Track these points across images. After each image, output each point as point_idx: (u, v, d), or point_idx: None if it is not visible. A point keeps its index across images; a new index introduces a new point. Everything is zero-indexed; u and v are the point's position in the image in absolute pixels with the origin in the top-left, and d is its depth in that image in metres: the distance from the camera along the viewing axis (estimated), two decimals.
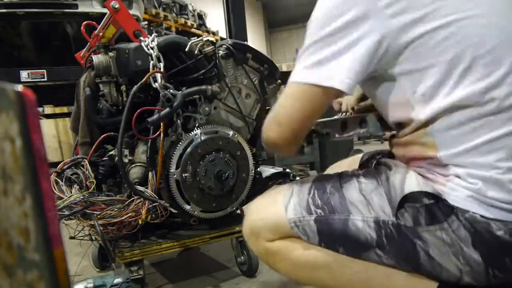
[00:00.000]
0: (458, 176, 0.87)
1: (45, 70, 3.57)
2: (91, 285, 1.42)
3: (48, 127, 3.36)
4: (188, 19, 7.43)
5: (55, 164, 1.57)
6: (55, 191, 1.44)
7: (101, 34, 1.74)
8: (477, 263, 0.87)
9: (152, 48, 1.53)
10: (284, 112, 0.96)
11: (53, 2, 3.52)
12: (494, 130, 0.85)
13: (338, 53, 0.88)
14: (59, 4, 3.54)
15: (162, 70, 1.52)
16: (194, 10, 7.89)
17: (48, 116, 3.49)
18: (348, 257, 0.98)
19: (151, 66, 1.52)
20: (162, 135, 1.50)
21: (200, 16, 8.20)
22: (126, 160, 1.54)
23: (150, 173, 1.49)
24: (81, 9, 3.58)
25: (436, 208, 0.88)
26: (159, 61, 1.53)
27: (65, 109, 3.54)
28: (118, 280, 1.45)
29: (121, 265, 1.54)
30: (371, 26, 0.86)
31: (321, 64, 0.89)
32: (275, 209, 1.04)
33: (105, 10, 1.71)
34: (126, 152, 1.56)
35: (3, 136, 0.41)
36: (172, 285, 1.76)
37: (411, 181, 0.91)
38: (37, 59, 3.95)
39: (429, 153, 0.90)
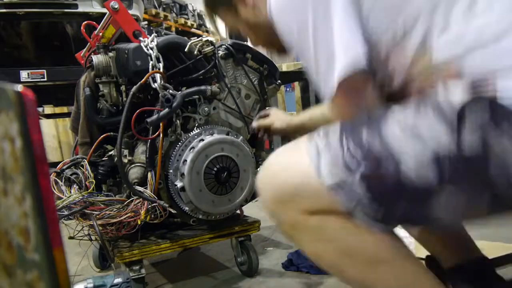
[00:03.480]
0: None
1: (45, 70, 3.57)
2: (91, 285, 1.42)
3: (48, 127, 3.37)
4: (188, 19, 7.43)
5: (55, 164, 1.57)
6: (54, 191, 1.44)
7: (101, 34, 1.74)
8: None
9: (151, 48, 1.53)
10: None
11: (53, 2, 3.52)
12: None
13: None
14: (59, 4, 3.54)
15: (161, 70, 1.52)
16: (194, 10, 7.89)
17: (48, 116, 3.50)
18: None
19: (150, 66, 1.52)
20: (161, 135, 1.50)
21: (200, 16, 8.20)
22: (125, 160, 1.54)
23: (149, 174, 1.49)
24: (81, 9, 3.58)
25: (496, 113, 0.69)
26: (158, 61, 1.53)
27: (65, 109, 3.55)
28: (118, 280, 1.45)
29: (120, 265, 1.54)
30: None
31: None
32: (302, 170, 0.82)
33: (105, 10, 1.71)
34: (126, 152, 1.56)
35: (3, 136, 0.41)
36: (172, 285, 1.76)
37: (453, 90, 0.72)
38: (37, 59, 3.96)
39: None
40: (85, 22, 1.89)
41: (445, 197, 0.74)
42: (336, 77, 0.81)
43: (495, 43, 0.73)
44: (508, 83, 0.69)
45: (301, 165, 0.83)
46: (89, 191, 1.47)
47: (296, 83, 4.63)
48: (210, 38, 1.62)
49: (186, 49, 1.57)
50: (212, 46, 1.59)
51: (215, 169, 1.53)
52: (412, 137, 0.74)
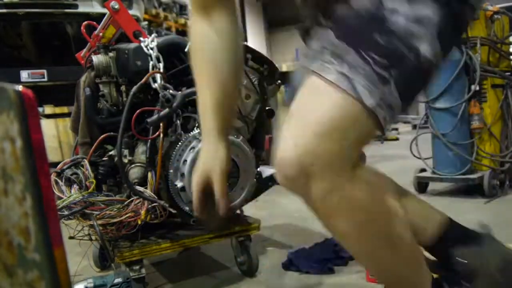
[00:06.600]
0: None
1: (45, 70, 3.57)
2: (91, 285, 1.42)
3: (48, 127, 3.37)
4: (188, 19, 7.43)
5: (55, 164, 1.57)
6: (54, 191, 1.44)
7: (101, 34, 1.74)
8: None
9: (151, 49, 1.53)
10: None
11: (53, 2, 3.53)
12: None
13: None
14: (59, 4, 3.55)
15: (161, 70, 1.52)
16: None
17: (48, 116, 3.50)
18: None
19: (150, 67, 1.52)
20: (161, 135, 1.50)
21: None
22: (125, 160, 1.54)
23: (149, 174, 1.49)
24: (81, 9, 3.59)
25: None
26: (158, 61, 1.53)
27: (65, 109, 3.55)
28: (118, 280, 1.45)
29: (120, 265, 1.54)
30: None
31: None
32: (336, 104, 0.74)
33: (105, 10, 1.71)
34: (126, 152, 1.56)
35: (3, 136, 0.41)
36: (172, 285, 1.76)
37: None
38: (37, 59, 3.96)
39: None
40: (85, 22, 1.89)
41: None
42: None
43: None
44: None
45: (332, 99, 0.75)
46: (89, 191, 1.47)
47: None
48: None
49: (186, 49, 1.57)
50: None
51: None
52: (416, 23, 0.77)
